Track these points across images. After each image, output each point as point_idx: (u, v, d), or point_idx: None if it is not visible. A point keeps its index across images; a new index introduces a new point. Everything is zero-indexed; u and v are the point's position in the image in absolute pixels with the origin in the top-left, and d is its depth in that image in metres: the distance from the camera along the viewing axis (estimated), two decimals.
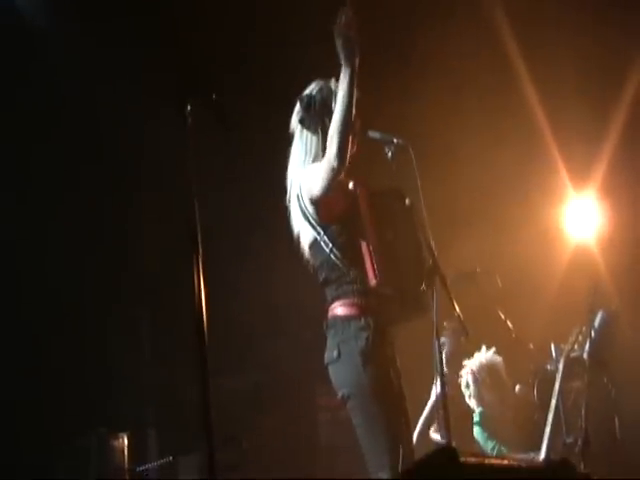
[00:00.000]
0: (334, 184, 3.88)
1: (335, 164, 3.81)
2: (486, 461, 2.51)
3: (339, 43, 3.81)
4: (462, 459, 2.44)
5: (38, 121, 6.71)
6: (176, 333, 6.88)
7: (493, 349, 5.86)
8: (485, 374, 5.78)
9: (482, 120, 7.01)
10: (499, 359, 5.85)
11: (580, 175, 7.13)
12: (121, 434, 6.39)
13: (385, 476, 3.76)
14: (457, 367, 5.88)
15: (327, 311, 4.05)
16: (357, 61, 3.82)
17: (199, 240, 3.09)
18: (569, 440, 5.17)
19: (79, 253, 6.92)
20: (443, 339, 5.51)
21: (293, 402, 7.12)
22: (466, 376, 5.84)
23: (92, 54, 6.55)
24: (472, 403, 5.83)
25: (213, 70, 5.76)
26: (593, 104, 6.90)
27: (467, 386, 5.84)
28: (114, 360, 7.05)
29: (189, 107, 3.22)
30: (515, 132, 7.05)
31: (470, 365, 5.84)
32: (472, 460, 2.49)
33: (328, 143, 3.86)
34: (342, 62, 3.82)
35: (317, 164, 3.98)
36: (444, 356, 5.35)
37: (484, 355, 5.85)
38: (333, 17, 3.85)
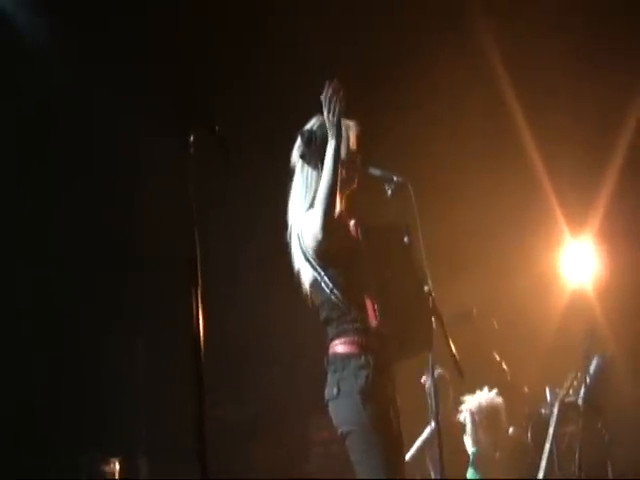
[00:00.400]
0: (326, 243, 3.85)
1: (320, 237, 3.82)
2: None
3: (325, 114, 3.80)
4: None
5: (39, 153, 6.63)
6: (171, 358, 6.79)
7: (495, 391, 5.75)
8: (483, 416, 5.66)
9: (481, 164, 6.98)
10: (499, 401, 5.73)
11: (577, 220, 7.07)
12: (112, 459, 6.29)
13: None
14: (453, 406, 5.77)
15: (328, 348, 3.97)
16: (342, 132, 3.82)
17: (199, 276, 3.01)
18: None
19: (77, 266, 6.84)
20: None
21: (286, 434, 7.00)
22: (464, 413, 5.72)
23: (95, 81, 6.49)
24: (467, 442, 5.72)
25: (215, 99, 5.69)
26: (589, 150, 6.90)
27: (464, 424, 5.73)
28: (109, 384, 6.94)
29: (192, 138, 3.15)
30: (513, 176, 7.03)
31: (469, 405, 5.72)
32: None
33: (313, 212, 3.84)
34: (328, 133, 3.82)
35: (313, 213, 3.91)
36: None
37: (485, 396, 5.74)
38: (321, 86, 3.80)
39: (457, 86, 6.89)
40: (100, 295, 7.03)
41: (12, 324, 6.61)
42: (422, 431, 5.77)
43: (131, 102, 6.46)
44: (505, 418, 5.69)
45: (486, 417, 5.63)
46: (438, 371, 5.43)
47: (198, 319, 2.93)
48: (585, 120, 6.87)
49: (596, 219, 7.04)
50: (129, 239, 7.14)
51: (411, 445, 5.72)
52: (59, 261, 6.80)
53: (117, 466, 6.31)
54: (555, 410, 5.23)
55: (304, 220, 3.95)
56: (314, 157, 3.99)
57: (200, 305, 2.97)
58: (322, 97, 3.78)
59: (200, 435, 2.82)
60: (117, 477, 6.28)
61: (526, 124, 6.95)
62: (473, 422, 5.64)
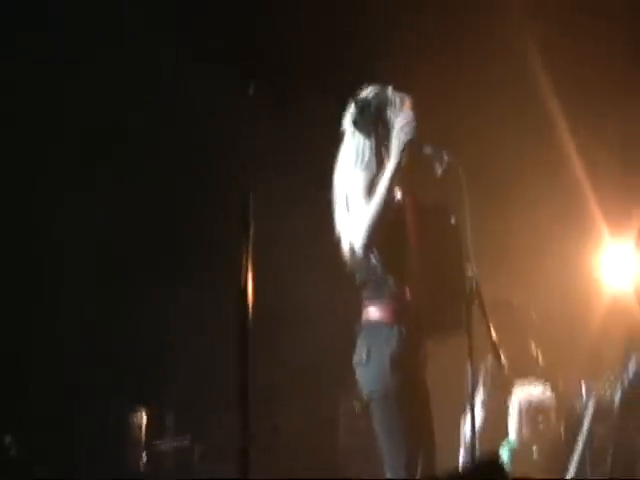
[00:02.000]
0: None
1: (360, 252, 3.78)
2: None
3: (395, 134, 3.80)
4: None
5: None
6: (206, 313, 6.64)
7: (548, 387, 5.51)
8: (533, 409, 5.43)
9: (522, 165, 6.81)
10: (549, 400, 5.48)
11: (618, 222, 6.81)
12: (140, 408, 6.18)
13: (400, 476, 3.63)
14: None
15: (361, 312, 3.88)
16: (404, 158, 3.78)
17: (250, 220, 2.83)
18: None
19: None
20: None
21: (314, 402, 6.80)
22: (513, 402, 5.51)
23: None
24: (510, 427, 5.49)
25: (276, 52, 5.46)
26: (631, 150, 6.70)
27: (510, 413, 5.51)
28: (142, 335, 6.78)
29: (252, 89, 2.95)
30: (554, 177, 6.83)
31: (520, 395, 5.48)
32: None
33: (359, 227, 3.76)
34: (391, 154, 3.79)
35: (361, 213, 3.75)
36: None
37: (535, 392, 5.49)
38: None
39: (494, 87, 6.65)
40: (145, 244, 6.87)
41: (49, 267, 6.45)
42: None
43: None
44: (554, 418, 5.45)
45: (537, 412, 5.39)
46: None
47: (247, 275, 2.75)
48: (628, 121, 6.65)
49: (637, 220, 6.69)
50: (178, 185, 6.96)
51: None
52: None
53: (144, 416, 6.21)
54: (590, 408, 5.00)
55: (356, 179, 3.84)
56: (366, 126, 3.90)
57: (250, 263, 2.79)
58: (396, 116, 3.81)
59: (243, 390, 2.65)
60: (144, 426, 6.19)
61: (566, 124, 6.71)
62: (520, 413, 5.41)
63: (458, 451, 5.53)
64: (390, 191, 3.74)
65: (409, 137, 3.77)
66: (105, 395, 6.23)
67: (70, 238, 6.52)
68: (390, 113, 3.90)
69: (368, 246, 3.73)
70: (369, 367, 3.74)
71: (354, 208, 3.81)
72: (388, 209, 3.74)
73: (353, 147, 3.92)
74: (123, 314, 6.71)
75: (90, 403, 6.19)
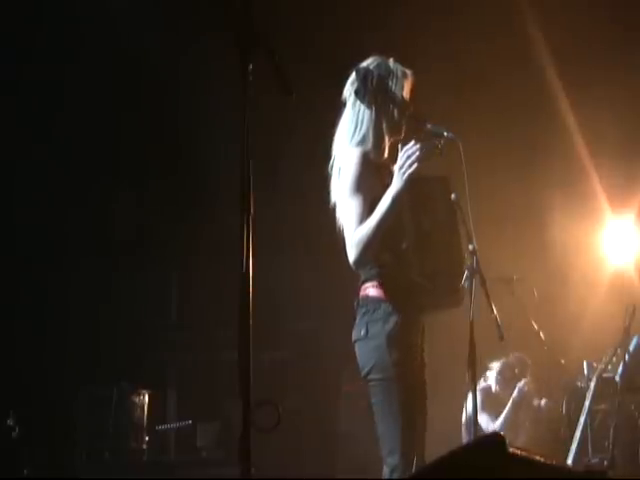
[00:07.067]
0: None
1: (353, 266, 3.66)
2: (534, 457, 2.26)
3: (398, 164, 3.61)
4: (511, 450, 2.19)
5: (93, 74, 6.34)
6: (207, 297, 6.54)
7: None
8: (509, 370, 5.57)
9: (526, 142, 6.78)
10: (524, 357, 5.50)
11: (619, 198, 6.76)
12: (143, 391, 6.10)
13: (394, 461, 3.53)
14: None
15: (359, 290, 3.78)
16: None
17: (251, 200, 2.72)
18: (594, 460, 4.77)
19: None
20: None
21: (317, 385, 6.72)
22: (492, 378, 5.59)
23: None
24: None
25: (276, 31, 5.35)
26: (632, 127, 6.59)
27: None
28: (142, 317, 6.70)
29: (251, 66, 2.83)
30: (557, 153, 6.76)
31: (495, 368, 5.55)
32: (520, 453, 2.23)
33: (353, 242, 3.63)
34: (394, 181, 3.60)
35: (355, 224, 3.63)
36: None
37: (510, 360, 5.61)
38: None
39: (504, 70, 6.54)
40: (139, 230, 6.78)
41: (51, 257, 6.37)
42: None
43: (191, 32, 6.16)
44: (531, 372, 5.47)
45: (515, 369, 5.45)
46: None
47: (249, 256, 2.65)
48: (630, 99, 6.54)
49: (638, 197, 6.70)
50: (178, 173, 6.86)
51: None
52: (105, 191, 6.56)
53: (147, 398, 6.14)
54: (592, 384, 4.92)
55: (348, 155, 3.75)
56: (368, 94, 3.81)
57: (250, 247, 2.69)
58: (400, 146, 3.65)
59: (245, 372, 2.59)
60: (146, 408, 6.11)
61: (569, 102, 6.64)
62: (501, 382, 5.39)
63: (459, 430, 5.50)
64: (390, 213, 3.60)
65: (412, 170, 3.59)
66: (107, 378, 6.17)
67: (72, 222, 6.45)
68: (392, 84, 3.80)
69: (361, 263, 3.65)
70: (367, 343, 3.66)
71: (346, 219, 3.69)
72: (384, 230, 3.61)
73: (353, 116, 3.81)
74: (125, 297, 6.64)
75: (92, 386, 6.12)
